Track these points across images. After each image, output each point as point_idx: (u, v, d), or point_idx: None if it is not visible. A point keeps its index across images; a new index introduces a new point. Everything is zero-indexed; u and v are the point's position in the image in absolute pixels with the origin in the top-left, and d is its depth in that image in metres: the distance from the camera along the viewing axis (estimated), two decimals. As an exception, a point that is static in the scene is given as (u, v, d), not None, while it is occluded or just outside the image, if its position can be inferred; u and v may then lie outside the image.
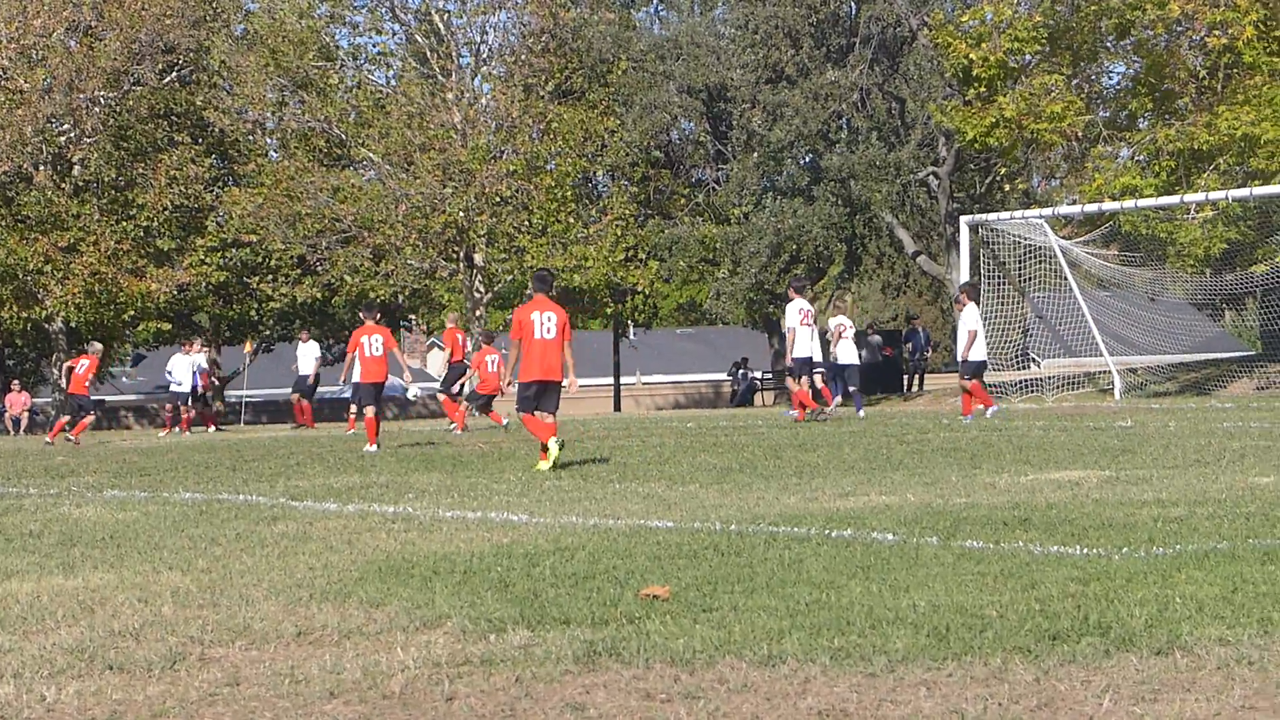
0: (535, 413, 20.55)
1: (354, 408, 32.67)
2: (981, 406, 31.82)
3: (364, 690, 6.90)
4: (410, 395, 35.02)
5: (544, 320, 20.52)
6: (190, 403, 43.36)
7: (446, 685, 6.94)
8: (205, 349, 49.14)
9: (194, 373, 43.09)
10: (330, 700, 6.75)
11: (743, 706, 6.44)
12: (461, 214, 51.69)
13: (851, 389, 36.79)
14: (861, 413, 35.77)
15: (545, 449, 19.96)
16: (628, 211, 54.74)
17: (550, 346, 20.46)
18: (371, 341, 28.35)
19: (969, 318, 32.35)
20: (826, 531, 11.68)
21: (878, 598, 8.68)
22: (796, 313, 32.58)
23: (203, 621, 8.59)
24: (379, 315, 30.93)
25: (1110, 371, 45.60)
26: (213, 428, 44.64)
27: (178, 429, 42.46)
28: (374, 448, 26.65)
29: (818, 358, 34.62)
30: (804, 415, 32.38)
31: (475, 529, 12.91)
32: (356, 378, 28.47)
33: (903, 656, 7.13)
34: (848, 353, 36.68)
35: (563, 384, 20.65)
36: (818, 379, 37.81)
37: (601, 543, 11.53)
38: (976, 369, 32.39)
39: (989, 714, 6.20)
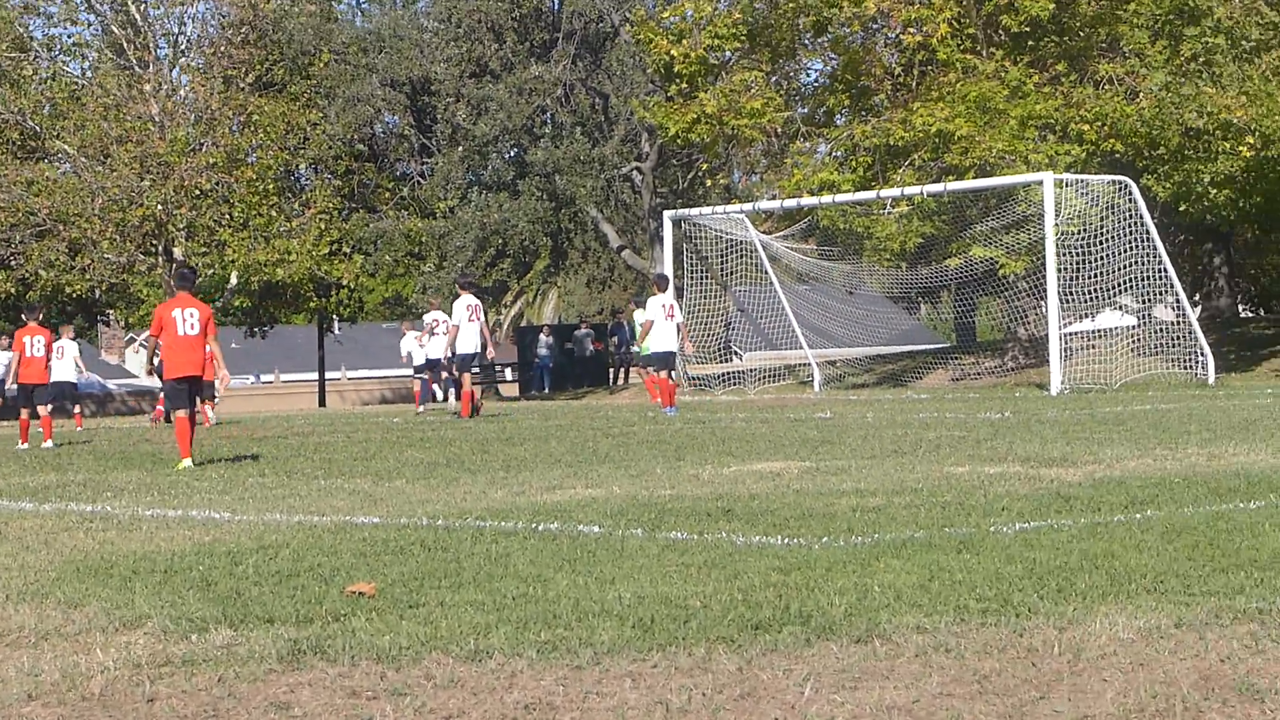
0: (185, 410, 20.73)
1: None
2: (659, 402, 32.33)
3: (63, 692, 6.75)
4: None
5: (186, 317, 20.79)
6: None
7: (148, 686, 6.81)
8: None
9: None
10: (29, 703, 6.59)
11: (449, 702, 6.42)
12: (160, 207, 50.74)
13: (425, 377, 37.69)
14: (454, 403, 36.23)
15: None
16: (331, 205, 54.21)
17: (193, 342, 20.77)
18: (33, 342, 28.32)
19: (650, 308, 32.75)
20: (533, 525, 11.70)
21: (584, 590, 8.71)
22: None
23: (-108, 627, 8.34)
24: (40, 315, 30.69)
25: (810, 364, 46.34)
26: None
27: None
28: (25, 445, 27.02)
29: (435, 354, 35.90)
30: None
31: (176, 527, 12.70)
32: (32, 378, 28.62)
33: (609, 648, 7.16)
34: (436, 347, 37.38)
35: (214, 380, 21.07)
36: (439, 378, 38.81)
37: (306, 540, 11.42)
38: (660, 360, 32.75)
39: (693, 704, 6.25)
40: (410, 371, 44.02)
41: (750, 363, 50.59)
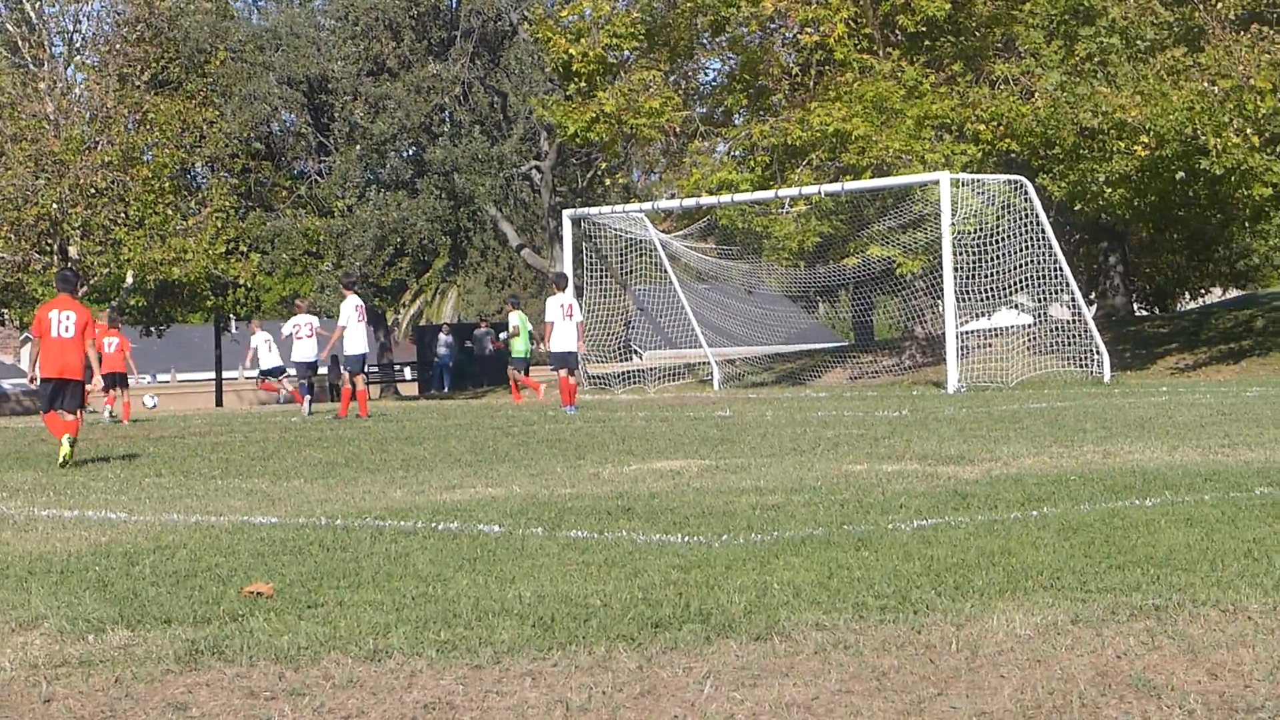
0: (55, 410, 20.69)
1: None
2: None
3: (-44, 697, 6.68)
4: None
5: (62, 319, 20.76)
6: None
7: (44, 687, 6.76)
8: None
9: None
10: (-80, 709, 6.52)
11: (348, 702, 6.40)
12: (55, 206, 50.29)
13: (303, 382, 38.09)
14: (310, 410, 36.25)
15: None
16: (228, 203, 53.89)
17: (68, 345, 20.72)
18: None
19: (549, 308, 32.80)
20: (433, 524, 11.67)
21: (484, 589, 8.70)
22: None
23: None
24: None
25: (710, 362, 46.43)
26: None
27: None
28: None
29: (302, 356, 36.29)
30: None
31: (72, 528, 12.60)
32: None
33: (509, 648, 7.16)
34: (306, 350, 37.76)
35: (84, 383, 21.02)
36: (288, 384, 38.83)
37: (203, 540, 11.35)
38: (560, 359, 32.79)
39: (593, 702, 6.26)
40: (255, 372, 43.34)
41: (650, 361, 50.64)
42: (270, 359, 40.26)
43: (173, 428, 31.32)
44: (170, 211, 51.97)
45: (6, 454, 23.84)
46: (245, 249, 55.51)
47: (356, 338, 33.17)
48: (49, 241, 51.96)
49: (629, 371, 48.48)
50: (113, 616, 8.21)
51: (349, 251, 55.07)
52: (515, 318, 41.22)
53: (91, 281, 54.22)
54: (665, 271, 45.69)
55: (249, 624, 7.93)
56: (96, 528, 12.58)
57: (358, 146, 56.16)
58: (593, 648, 7.12)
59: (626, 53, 47.02)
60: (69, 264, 52.09)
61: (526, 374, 41.86)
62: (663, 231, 46.76)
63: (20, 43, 54.26)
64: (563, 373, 32.84)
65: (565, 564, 9.55)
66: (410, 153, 58.85)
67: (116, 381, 37.46)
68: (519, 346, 40.84)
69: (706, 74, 52.62)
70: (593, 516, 11.92)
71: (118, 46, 53.43)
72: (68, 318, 20.68)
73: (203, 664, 7.11)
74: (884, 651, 6.91)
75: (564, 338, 32.74)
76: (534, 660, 6.95)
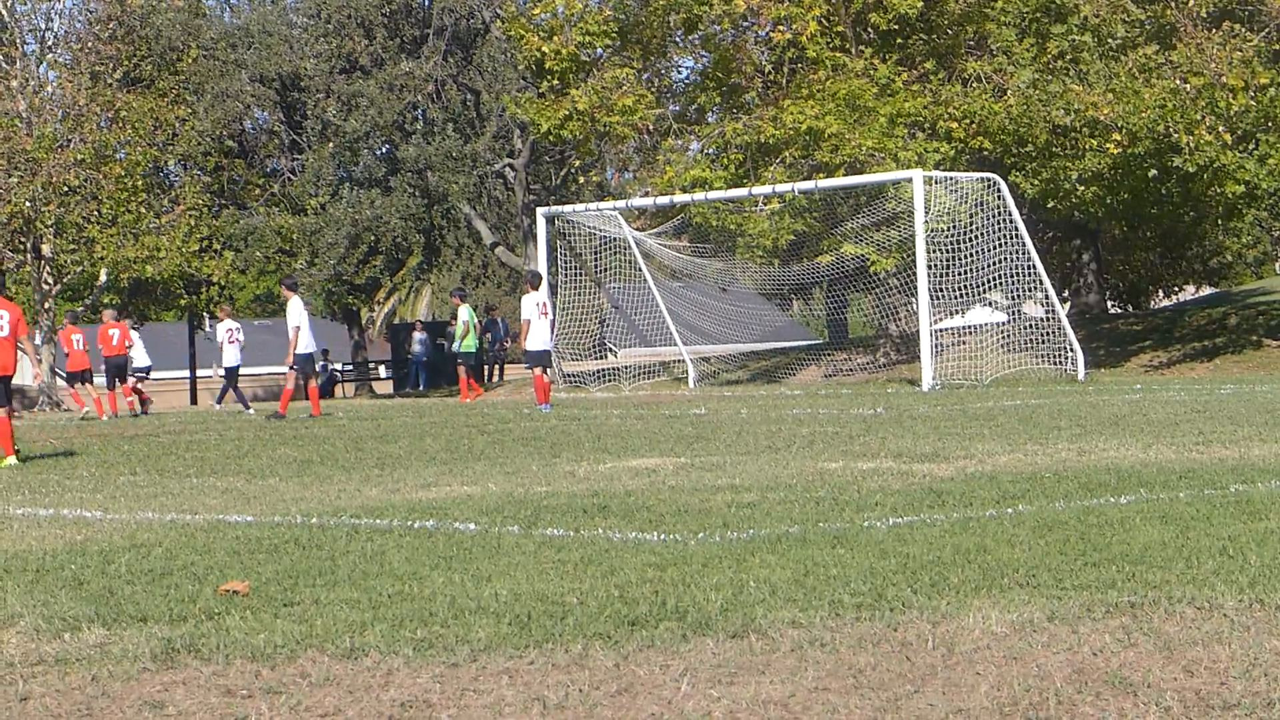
0: None
1: None
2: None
3: (-69, 697, 6.66)
4: None
5: None
6: None
7: (21, 685, 6.74)
8: None
9: None
10: (-105, 708, 6.51)
11: (325, 700, 6.39)
12: (28, 204, 50.14)
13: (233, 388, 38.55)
14: (251, 410, 36.24)
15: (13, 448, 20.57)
16: (201, 201, 53.75)
17: (2, 344, 20.85)
18: None
19: (525, 306, 32.78)
20: (409, 523, 11.68)
21: (460, 588, 8.71)
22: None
23: None
24: None
25: (685, 360, 46.44)
26: None
27: None
28: None
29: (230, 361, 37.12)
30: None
31: (47, 526, 12.58)
32: None
33: (485, 646, 7.16)
34: (232, 356, 38.29)
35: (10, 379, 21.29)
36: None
37: (179, 538, 11.35)
38: (535, 358, 32.78)
39: (570, 700, 6.26)
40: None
41: (625, 359, 50.60)
42: (225, 360, 39.83)
43: (147, 426, 31.26)
44: (143, 209, 51.85)
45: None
46: (218, 247, 55.39)
47: (308, 337, 33.23)
48: (22, 240, 51.83)
49: (604, 369, 48.46)
50: (89, 615, 8.20)
51: (322, 250, 55.00)
52: (464, 312, 41.15)
53: (65, 280, 54.09)
54: (640, 269, 45.68)
55: (225, 622, 7.92)
56: (72, 526, 12.57)
57: (330, 144, 56.10)
58: (569, 646, 7.13)
59: (599, 50, 46.96)
60: (42, 262, 52.00)
61: (478, 374, 41.88)
62: (637, 229, 46.76)
63: (-8, 41, 54.09)
64: (538, 371, 32.83)
65: (541, 562, 9.55)
66: (383, 150, 58.77)
67: (116, 373, 38.00)
68: (469, 342, 40.83)
69: (680, 72, 52.63)
70: (569, 514, 11.93)
71: (90, 44, 53.30)
72: (1, 317, 20.86)
73: (179, 662, 7.10)
74: (860, 649, 6.92)
75: (540, 336, 32.74)
76: (510, 658, 6.95)
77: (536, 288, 33.13)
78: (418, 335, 62.39)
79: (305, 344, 33.19)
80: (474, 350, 41.39)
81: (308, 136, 57.03)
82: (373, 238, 56.22)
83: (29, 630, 7.91)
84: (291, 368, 33.55)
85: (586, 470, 16.12)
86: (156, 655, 7.22)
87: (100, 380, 40.08)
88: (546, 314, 33.02)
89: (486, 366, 59.34)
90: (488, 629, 7.49)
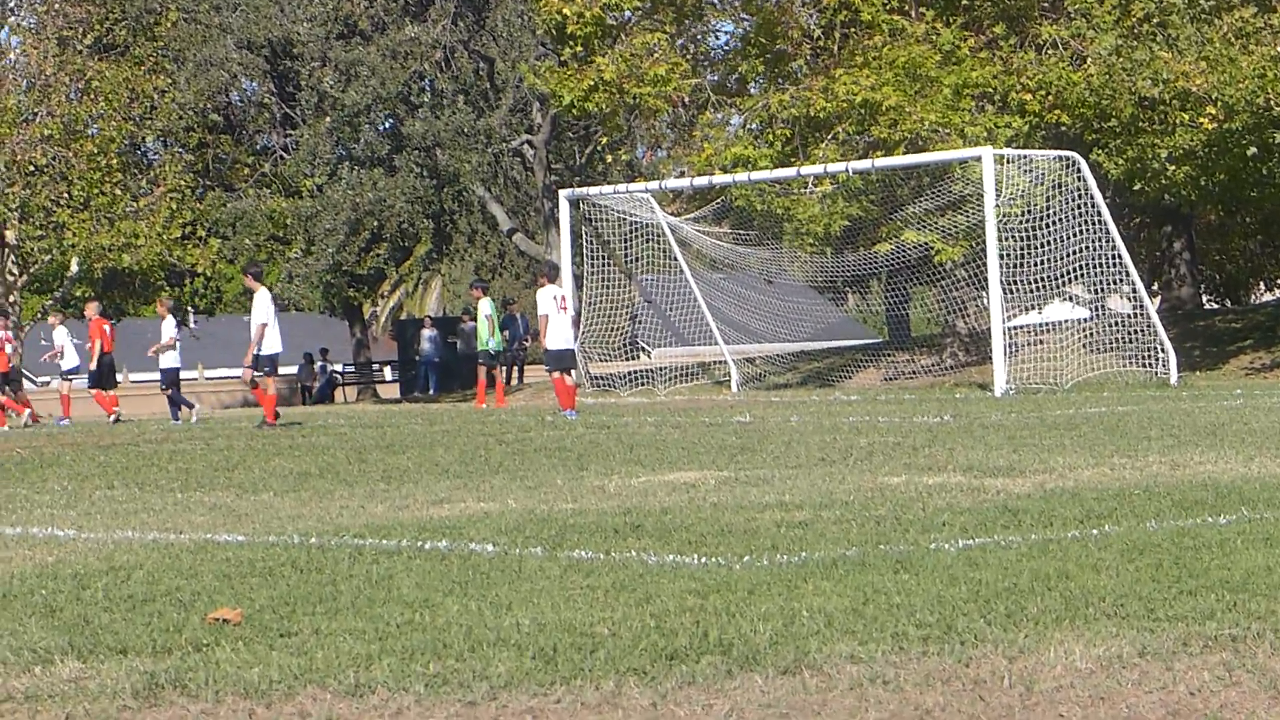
0: None
1: None
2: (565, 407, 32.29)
3: (-111, 737, 6.71)
4: None
5: None
6: None
7: (-14, 728, 6.78)
8: None
9: None
10: None
11: (329, 743, 6.42)
12: (-11, 185, 50.38)
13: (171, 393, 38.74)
14: (180, 420, 36.47)
15: None
16: (183, 182, 53.87)
17: None
18: None
19: (541, 301, 32.72)
20: (419, 543, 11.70)
21: (477, 617, 8.72)
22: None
23: None
24: None
25: (726, 361, 46.47)
26: None
27: None
28: None
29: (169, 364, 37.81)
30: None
31: (15, 547, 12.63)
32: None
33: (506, 682, 7.17)
34: (170, 360, 38.80)
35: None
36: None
37: (162, 561, 11.38)
38: (556, 359, 32.75)
39: (604, 743, 6.28)
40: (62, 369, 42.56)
41: (659, 360, 50.69)
42: (162, 363, 39.80)
43: (125, 434, 31.35)
44: (119, 191, 51.98)
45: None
46: (203, 234, 55.53)
47: (275, 336, 32.77)
48: (-16, 225, 52.05)
49: (636, 371, 48.50)
50: (62, 646, 8.23)
51: (319, 236, 55.06)
52: (486, 305, 41.07)
53: (32, 270, 54.24)
54: (675, 259, 45.72)
55: (214, 655, 7.95)
56: (42, 546, 12.61)
57: (327, 119, 56.14)
58: (600, 682, 7.14)
59: (628, 13, 46.97)
60: (6, 250, 52.16)
61: (495, 375, 41.85)
62: (671, 214, 46.79)
63: (-51, 5, 54.35)
64: (559, 374, 32.82)
65: (568, 588, 9.56)
66: (387, 126, 58.82)
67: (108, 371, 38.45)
68: (493, 339, 40.78)
69: (718, 37, 52.64)
70: (598, 535, 11.94)
71: (56, 6, 53.41)
72: None
73: (163, 699, 7.13)
74: (927, 687, 6.92)
75: (560, 334, 32.72)
76: (534, 696, 6.97)
77: (553, 280, 33.14)
78: (427, 333, 62.45)
79: (272, 344, 32.59)
80: (500, 349, 41.35)
81: (302, 110, 57.09)
82: (376, 223, 56.26)
83: (-4, 663, 7.95)
84: (250, 368, 32.84)
85: (618, 485, 16.14)
86: (138, 691, 7.25)
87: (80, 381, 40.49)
88: (566, 308, 33.00)
89: (504, 368, 59.40)
90: (508, 663, 7.50)
